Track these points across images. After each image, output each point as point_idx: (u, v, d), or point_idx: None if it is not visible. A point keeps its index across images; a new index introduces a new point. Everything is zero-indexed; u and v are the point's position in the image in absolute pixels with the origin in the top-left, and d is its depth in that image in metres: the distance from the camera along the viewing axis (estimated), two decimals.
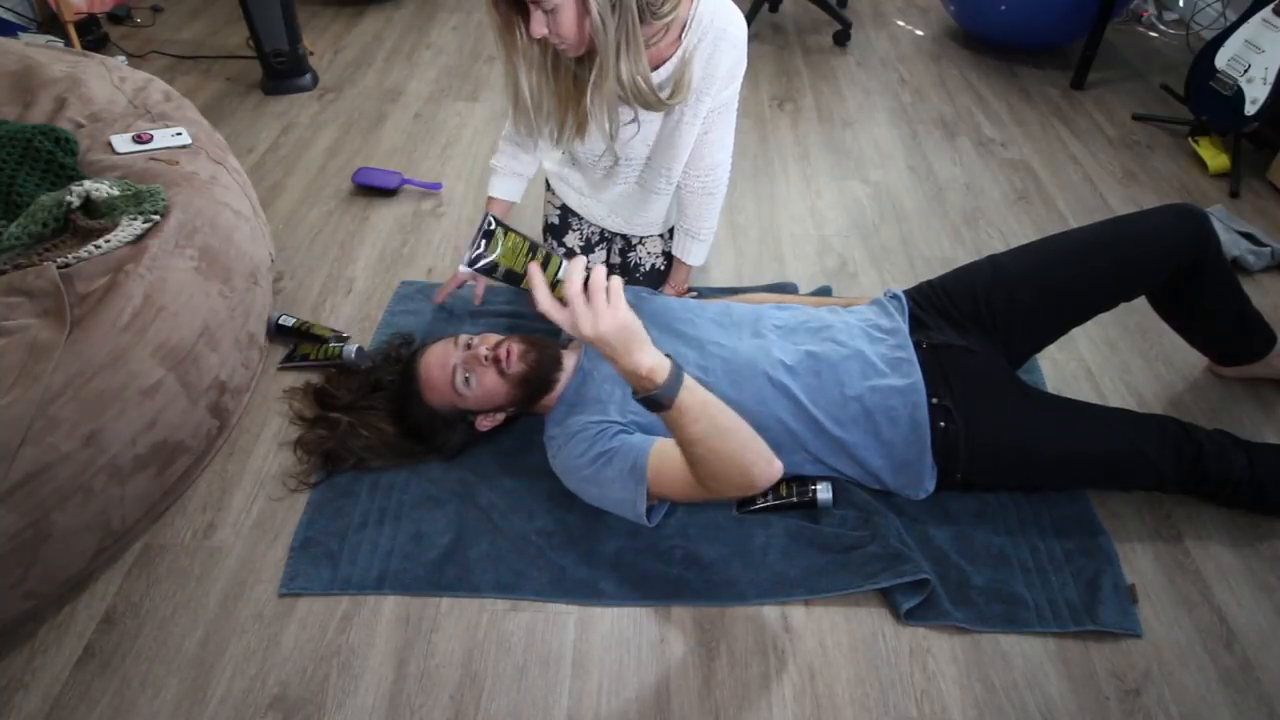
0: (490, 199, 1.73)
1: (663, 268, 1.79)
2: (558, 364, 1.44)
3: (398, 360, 1.59)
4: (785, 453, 1.38)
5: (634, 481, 1.27)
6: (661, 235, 1.79)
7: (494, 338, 1.43)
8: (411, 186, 2.25)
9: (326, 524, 1.40)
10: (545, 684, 1.22)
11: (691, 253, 1.71)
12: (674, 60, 1.39)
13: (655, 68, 1.40)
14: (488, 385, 1.40)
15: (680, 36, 1.37)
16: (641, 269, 1.79)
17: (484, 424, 1.48)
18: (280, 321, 1.76)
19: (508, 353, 1.39)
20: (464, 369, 1.39)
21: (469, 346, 1.42)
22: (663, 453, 1.27)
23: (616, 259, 1.82)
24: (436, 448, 1.49)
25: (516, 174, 1.71)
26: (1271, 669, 1.25)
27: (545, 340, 1.47)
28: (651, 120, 1.50)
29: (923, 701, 1.20)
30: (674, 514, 1.41)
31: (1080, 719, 1.18)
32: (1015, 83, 2.91)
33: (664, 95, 1.39)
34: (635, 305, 1.54)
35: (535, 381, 1.41)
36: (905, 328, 1.45)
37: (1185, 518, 1.45)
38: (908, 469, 1.38)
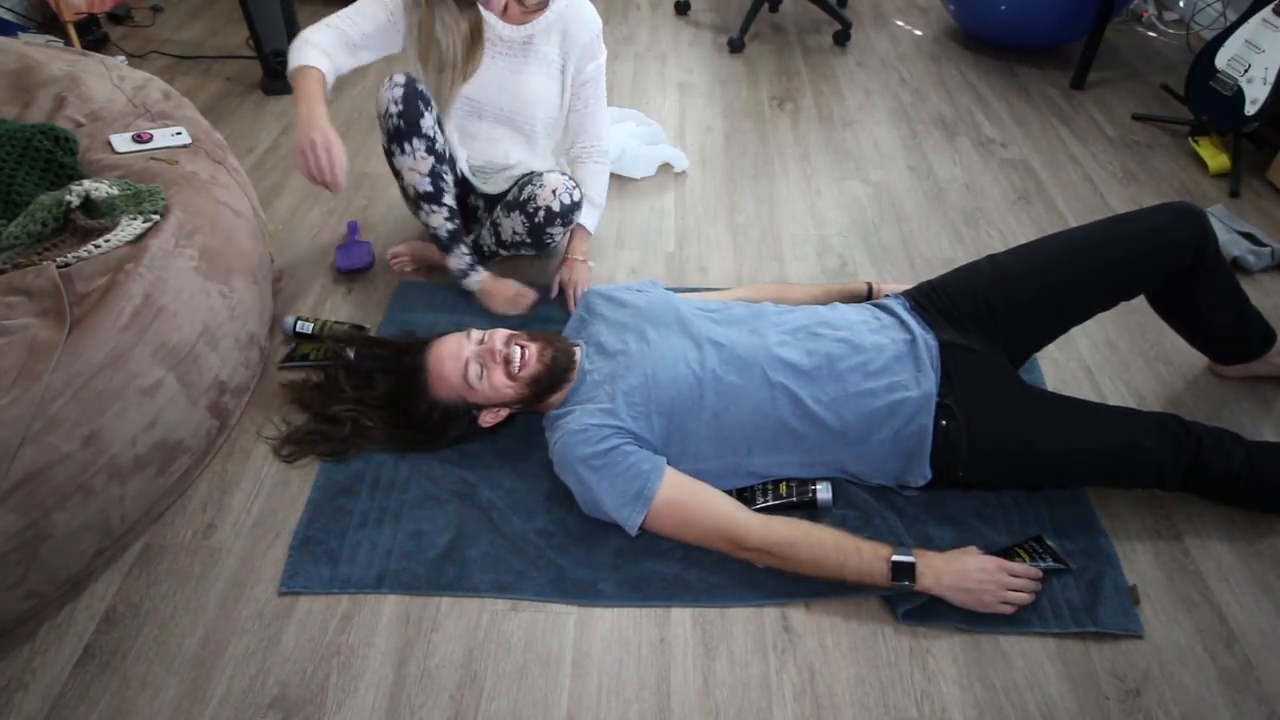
0: (303, 67, 1.60)
1: (559, 208, 1.77)
2: (572, 362, 1.44)
3: (399, 357, 1.59)
4: (785, 451, 1.38)
5: (635, 502, 1.30)
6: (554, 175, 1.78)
7: (505, 332, 1.44)
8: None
9: (326, 523, 1.40)
10: (545, 684, 1.22)
11: (586, 216, 1.86)
12: (543, 20, 1.74)
13: (524, 23, 1.73)
14: (498, 382, 1.40)
15: (549, 3, 1.72)
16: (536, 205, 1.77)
17: (487, 419, 1.47)
18: (299, 329, 1.74)
19: (524, 352, 1.40)
20: (476, 362, 1.40)
21: (482, 341, 1.43)
22: (692, 491, 1.32)
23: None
24: (434, 440, 1.49)
25: (333, 60, 1.67)
26: (1271, 669, 1.25)
27: (559, 338, 1.47)
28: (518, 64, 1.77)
29: (923, 701, 1.20)
30: None
31: (1080, 719, 1.18)
32: (1015, 83, 2.91)
33: (529, 46, 1.75)
34: (628, 302, 1.55)
35: (547, 381, 1.41)
36: (910, 325, 1.45)
37: (1185, 518, 1.45)
38: (907, 464, 1.38)
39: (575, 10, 1.75)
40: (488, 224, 1.88)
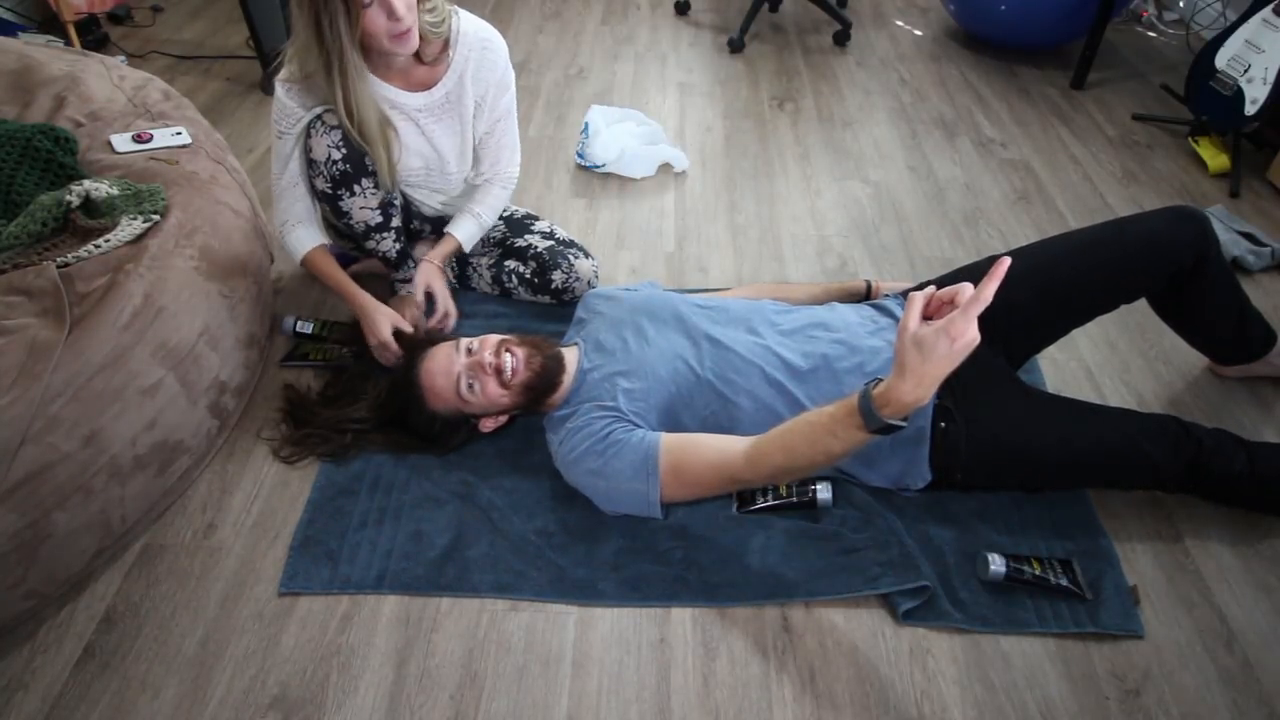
0: (306, 256, 1.64)
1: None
2: (561, 366, 1.44)
3: (400, 358, 1.59)
4: None
5: (645, 474, 1.29)
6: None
7: (494, 340, 1.42)
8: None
9: (326, 523, 1.40)
10: (545, 684, 1.22)
11: (463, 227, 1.73)
12: (452, 74, 1.59)
13: (431, 86, 1.59)
14: (491, 393, 1.39)
15: (449, 54, 1.57)
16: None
17: (488, 425, 1.48)
18: (299, 329, 1.74)
19: (513, 358, 1.39)
20: (468, 375, 1.39)
21: (470, 352, 1.41)
22: (681, 449, 1.29)
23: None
24: (438, 449, 1.50)
25: (317, 219, 1.68)
26: (1271, 669, 1.25)
27: (547, 342, 1.46)
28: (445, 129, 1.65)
29: (923, 701, 1.20)
30: (673, 515, 1.40)
31: (1080, 719, 1.18)
32: (1015, 83, 2.91)
33: (444, 106, 1.61)
34: (626, 300, 1.55)
35: (540, 386, 1.41)
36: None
37: (1185, 518, 1.45)
38: (906, 466, 1.38)
39: (480, 44, 1.59)
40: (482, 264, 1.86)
